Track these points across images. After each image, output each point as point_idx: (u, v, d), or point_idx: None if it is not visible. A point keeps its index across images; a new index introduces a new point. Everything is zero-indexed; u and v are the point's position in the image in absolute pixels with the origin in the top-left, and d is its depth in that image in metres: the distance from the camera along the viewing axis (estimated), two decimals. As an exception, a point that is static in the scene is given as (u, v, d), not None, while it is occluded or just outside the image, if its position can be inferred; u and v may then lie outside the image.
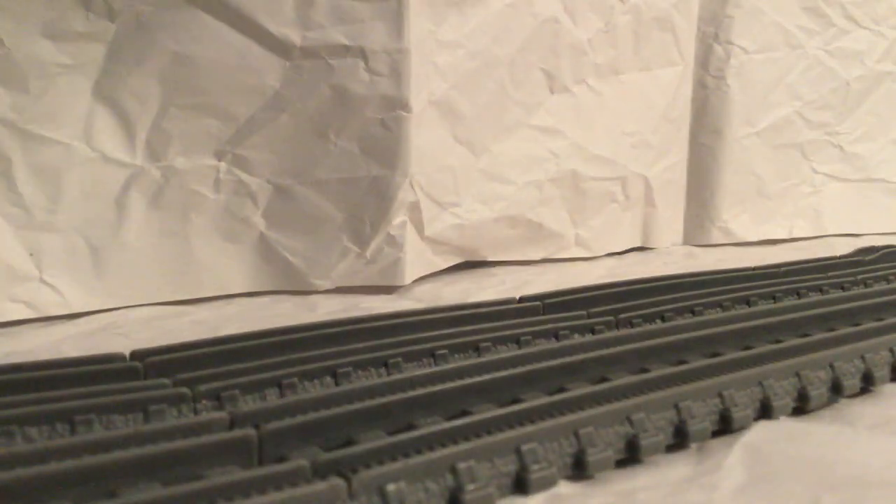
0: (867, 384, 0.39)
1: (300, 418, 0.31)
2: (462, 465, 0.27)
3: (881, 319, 0.46)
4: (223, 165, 0.55)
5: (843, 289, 0.54)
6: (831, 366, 0.38)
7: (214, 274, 0.56)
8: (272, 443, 0.29)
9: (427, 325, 0.43)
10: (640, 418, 0.32)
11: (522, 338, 0.42)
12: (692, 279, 0.55)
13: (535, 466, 0.29)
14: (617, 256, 0.73)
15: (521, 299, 0.48)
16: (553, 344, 0.41)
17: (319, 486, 0.25)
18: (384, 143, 0.57)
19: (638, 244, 0.76)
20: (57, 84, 0.49)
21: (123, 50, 0.51)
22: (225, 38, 0.52)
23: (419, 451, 0.28)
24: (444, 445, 0.29)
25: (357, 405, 0.32)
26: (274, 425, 0.30)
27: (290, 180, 0.57)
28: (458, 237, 0.64)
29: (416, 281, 0.62)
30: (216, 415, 0.31)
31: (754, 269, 0.59)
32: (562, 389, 0.35)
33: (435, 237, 0.63)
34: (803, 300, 0.51)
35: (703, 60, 0.74)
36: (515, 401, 0.33)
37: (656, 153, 0.74)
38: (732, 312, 0.47)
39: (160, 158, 0.53)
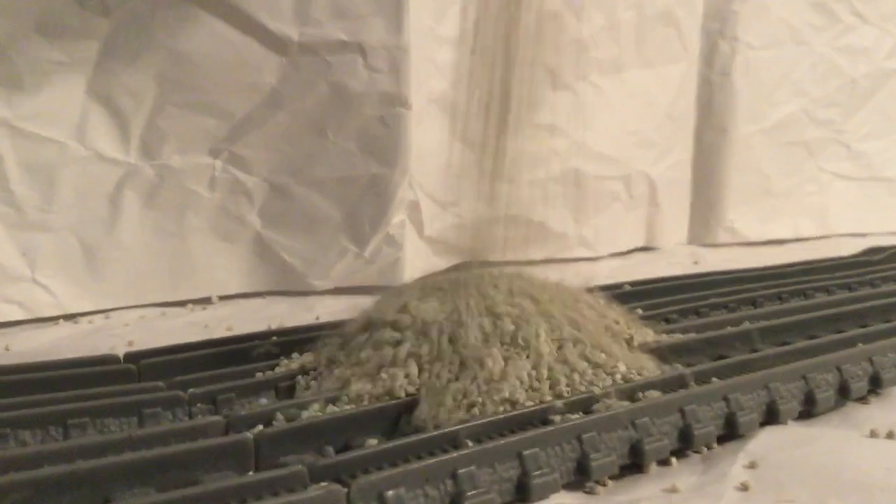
0: (875, 387, 0.38)
1: (297, 422, 0.31)
2: (463, 471, 0.27)
3: (889, 321, 0.46)
4: (219, 164, 0.55)
5: (850, 289, 0.54)
6: (838, 368, 0.37)
7: (210, 274, 0.56)
8: (269, 447, 0.29)
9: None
10: (644, 422, 0.31)
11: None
12: (697, 280, 0.54)
13: (537, 472, 0.28)
14: (621, 256, 0.73)
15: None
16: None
17: (317, 491, 0.25)
18: (383, 141, 0.57)
19: (642, 244, 0.75)
20: (51, 81, 0.49)
21: (118, 46, 0.50)
22: (221, 34, 0.52)
23: (419, 457, 0.28)
24: (444, 450, 0.28)
25: (355, 409, 0.32)
26: (271, 430, 0.30)
27: (288, 179, 0.56)
28: (458, 237, 0.63)
29: (415, 281, 0.62)
30: (212, 418, 0.31)
31: (761, 269, 0.58)
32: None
33: (435, 237, 0.62)
34: (810, 301, 0.50)
35: (708, 57, 0.74)
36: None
37: (660, 151, 0.73)
38: (739, 314, 0.47)
39: (155, 157, 0.53)
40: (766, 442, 0.33)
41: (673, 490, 0.29)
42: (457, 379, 0.32)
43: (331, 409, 0.32)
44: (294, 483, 0.25)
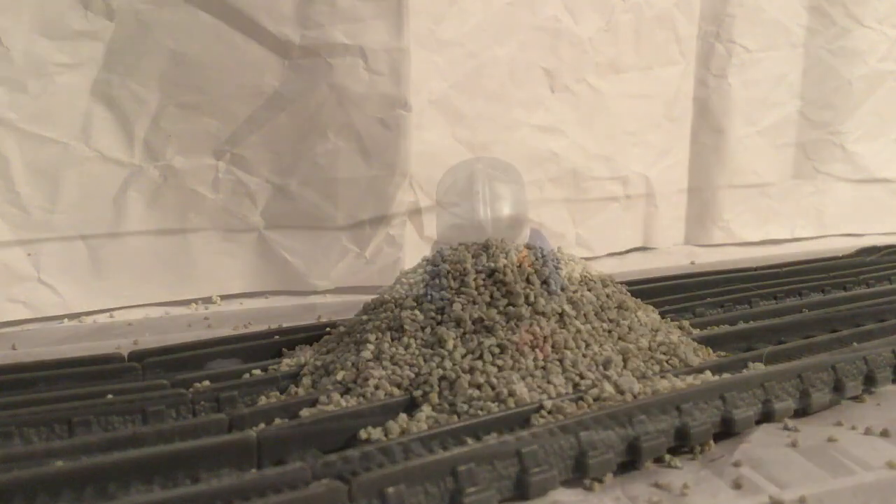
0: (869, 386, 0.39)
1: (299, 420, 0.31)
2: (462, 468, 0.27)
3: (883, 320, 0.46)
4: (222, 165, 0.55)
5: (844, 289, 0.54)
6: (833, 367, 0.38)
7: (213, 274, 0.56)
8: (272, 445, 0.29)
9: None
10: (641, 421, 0.31)
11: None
12: (694, 279, 0.54)
13: (536, 469, 0.29)
14: (618, 256, 0.73)
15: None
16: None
17: (319, 489, 0.25)
18: (384, 143, 0.57)
19: (639, 244, 0.75)
20: (55, 83, 0.49)
21: (122, 49, 0.50)
22: (224, 36, 0.52)
23: (419, 454, 0.28)
24: (444, 448, 0.28)
25: (358, 406, 0.32)
26: (273, 427, 0.30)
27: (289, 180, 0.57)
28: (458, 237, 0.64)
29: (415, 281, 0.62)
30: (215, 416, 0.31)
31: (756, 269, 0.59)
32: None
33: (434, 237, 0.62)
34: (805, 300, 0.51)
35: (705, 59, 0.74)
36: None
37: (657, 152, 0.74)
38: (734, 313, 0.47)
39: (159, 158, 0.53)
40: (761, 440, 0.33)
41: (669, 487, 0.29)
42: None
43: (332, 406, 0.33)
44: (296, 480, 0.26)
